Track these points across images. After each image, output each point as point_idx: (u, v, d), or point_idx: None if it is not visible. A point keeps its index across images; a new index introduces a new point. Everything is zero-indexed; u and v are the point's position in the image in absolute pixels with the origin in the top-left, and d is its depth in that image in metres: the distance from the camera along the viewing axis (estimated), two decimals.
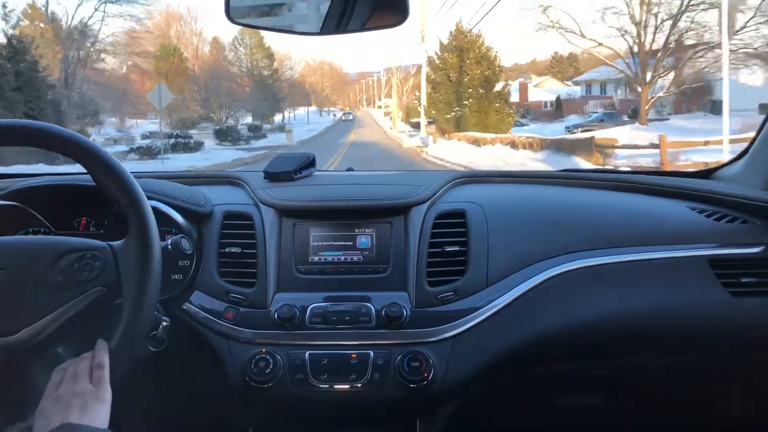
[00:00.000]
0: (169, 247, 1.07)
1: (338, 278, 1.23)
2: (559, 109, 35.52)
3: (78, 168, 1.05)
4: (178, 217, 1.22)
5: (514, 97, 41.47)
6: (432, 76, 26.95)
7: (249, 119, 40.76)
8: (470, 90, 25.87)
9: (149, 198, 0.95)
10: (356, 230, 1.28)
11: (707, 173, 1.58)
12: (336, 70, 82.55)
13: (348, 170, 1.57)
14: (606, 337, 1.22)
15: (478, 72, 26.04)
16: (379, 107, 76.22)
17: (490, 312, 1.18)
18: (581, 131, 22.03)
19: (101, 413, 0.82)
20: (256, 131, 34.90)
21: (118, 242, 0.93)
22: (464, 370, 1.16)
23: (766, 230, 1.27)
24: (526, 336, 1.18)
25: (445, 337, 1.16)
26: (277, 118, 50.97)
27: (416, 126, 39.68)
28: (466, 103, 25.62)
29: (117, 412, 0.83)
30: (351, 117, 57.30)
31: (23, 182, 1.28)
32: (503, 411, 1.47)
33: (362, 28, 1.08)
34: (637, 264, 1.23)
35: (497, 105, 26.12)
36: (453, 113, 25.58)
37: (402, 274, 1.21)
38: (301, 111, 63.23)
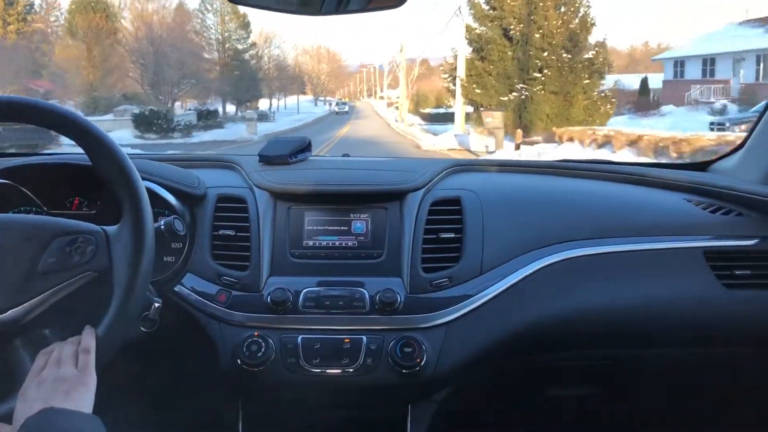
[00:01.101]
0: (162, 228, 1.16)
1: (332, 263, 1.35)
2: (645, 96, 27.60)
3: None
4: (172, 199, 1.33)
5: None
6: (476, 31, 14.18)
7: (228, 105, 35.24)
8: (545, 54, 13.08)
9: (143, 179, 1.05)
10: (351, 215, 1.39)
11: (704, 166, 1.71)
12: (334, 56, 75.25)
13: (344, 156, 1.68)
14: (599, 328, 1.34)
15: (559, 24, 13.21)
16: (381, 98, 70.58)
17: (484, 299, 1.29)
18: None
19: (85, 399, 0.86)
20: (207, 119, 26.95)
21: (113, 227, 1.02)
22: (457, 356, 1.27)
23: (760, 223, 1.39)
24: (519, 324, 1.30)
25: (439, 324, 1.27)
26: (264, 105, 44.32)
27: (431, 118, 33.85)
28: (538, 76, 12.89)
29: (105, 394, 0.91)
30: (346, 108, 52.14)
31: (15, 160, 1.38)
32: (495, 399, 1.57)
33: (362, 9, 1.12)
34: (632, 254, 1.35)
35: (586, 81, 13.42)
36: (513, 95, 12.83)
37: (396, 260, 1.34)
38: (295, 100, 57.35)
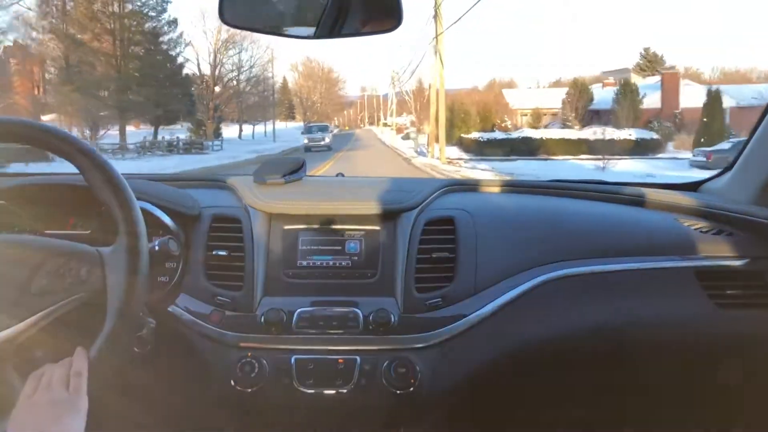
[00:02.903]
0: (157, 248, 1.14)
1: (326, 283, 1.34)
2: None
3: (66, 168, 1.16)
4: (166, 219, 1.32)
5: (653, 101, 28.15)
6: None
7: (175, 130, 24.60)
8: None
9: (138, 199, 1.05)
10: (345, 235, 1.37)
11: (695, 186, 1.70)
12: (329, 75, 61.26)
13: (338, 175, 1.67)
14: (592, 347, 1.34)
15: None
16: (386, 125, 59.61)
17: (478, 319, 1.28)
18: None
19: (76, 423, 0.85)
20: None
21: (107, 249, 1.01)
22: (451, 377, 1.26)
23: (751, 243, 1.38)
24: (513, 344, 1.30)
25: (433, 344, 1.26)
26: (233, 130, 33.86)
27: (480, 149, 21.97)
28: None
29: (95, 415, 0.90)
30: (325, 140, 32.18)
31: (10, 180, 1.37)
32: (488, 420, 1.53)
33: (356, 33, 1.13)
34: (624, 274, 1.34)
35: None
36: None
37: (390, 280, 1.33)
38: (284, 125, 47.34)
